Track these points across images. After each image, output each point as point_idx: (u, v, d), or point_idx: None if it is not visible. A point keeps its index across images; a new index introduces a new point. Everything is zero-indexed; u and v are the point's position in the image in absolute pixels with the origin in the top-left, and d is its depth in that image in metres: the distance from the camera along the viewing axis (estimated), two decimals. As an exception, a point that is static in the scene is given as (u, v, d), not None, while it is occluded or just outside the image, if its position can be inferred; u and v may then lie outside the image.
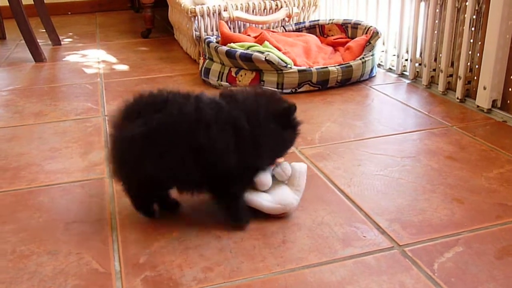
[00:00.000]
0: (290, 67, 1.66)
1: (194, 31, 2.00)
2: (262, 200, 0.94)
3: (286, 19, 2.13)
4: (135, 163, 0.88)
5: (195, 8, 1.94)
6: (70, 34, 2.82)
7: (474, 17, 1.50)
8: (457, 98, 1.57)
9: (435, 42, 1.68)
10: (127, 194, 0.95)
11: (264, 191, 0.96)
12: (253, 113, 0.89)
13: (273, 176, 0.97)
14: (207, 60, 1.81)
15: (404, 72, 1.84)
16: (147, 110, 0.86)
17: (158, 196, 0.97)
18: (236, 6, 2.01)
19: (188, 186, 0.92)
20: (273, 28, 2.10)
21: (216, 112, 0.87)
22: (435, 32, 1.67)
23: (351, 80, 1.74)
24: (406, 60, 1.82)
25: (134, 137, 0.85)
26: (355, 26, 1.99)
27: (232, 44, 1.78)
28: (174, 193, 0.97)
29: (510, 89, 1.44)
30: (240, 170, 0.89)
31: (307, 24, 2.13)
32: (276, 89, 1.65)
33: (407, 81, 1.79)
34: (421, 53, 1.76)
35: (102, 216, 0.99)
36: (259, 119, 0.89)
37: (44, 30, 2.54)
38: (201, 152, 0.86)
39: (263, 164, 0.94)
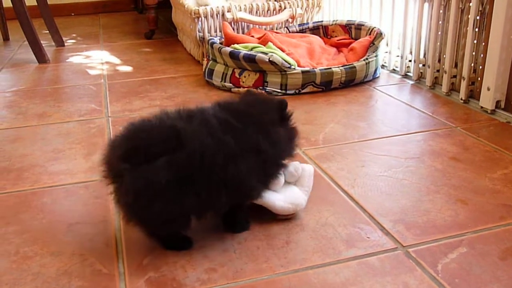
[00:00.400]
0: (294, 68, 1.66)
1: (197, 32, 2.00)
2: (275, 199, 0.93)
3: (290, 20, 2.13)
4: (160, 207, 0.80)
5: (198, 9, 1.94)
6: (74, 35, 2.83)
7: (478, 18, 1.50)
8: (461, 99, 1.57)
9: (438, 43, 1.68)
10: (150, 235, 0.89)
11: (274, 191, 0.95)
12: (263, 123, 0.88)
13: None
14: (211, 61, 1.81)
15: (408, 73, 1.84)
16: (162, 147, 0.79)
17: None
18: (240, 7, 2.01)
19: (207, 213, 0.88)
20: (276, 29, 2.11)
21: (236, 138, 0.83)
22: (439, 33, 1.67)
23: (354, 81, 1.74)
24: (410, 61, 1.82)
25: (161, 183, 0.78)
26: (359, 27, 1.99)
27: (235, 45, 1.78)
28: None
29: (514, 90, 1.44)
30: (262, 185, 0.90)
31: (310, 25, 2.12)
32: (279, 90, 1.65)
33: (411, 82, 1.79)
34: (424, 54, 1.75)
35: (106, 217, 0.99)
36: (268, 128, 0.88)
37: (48, 31, 2.54)
38: (230, 182, 0.83)
39: (281, 170, 0.93)
